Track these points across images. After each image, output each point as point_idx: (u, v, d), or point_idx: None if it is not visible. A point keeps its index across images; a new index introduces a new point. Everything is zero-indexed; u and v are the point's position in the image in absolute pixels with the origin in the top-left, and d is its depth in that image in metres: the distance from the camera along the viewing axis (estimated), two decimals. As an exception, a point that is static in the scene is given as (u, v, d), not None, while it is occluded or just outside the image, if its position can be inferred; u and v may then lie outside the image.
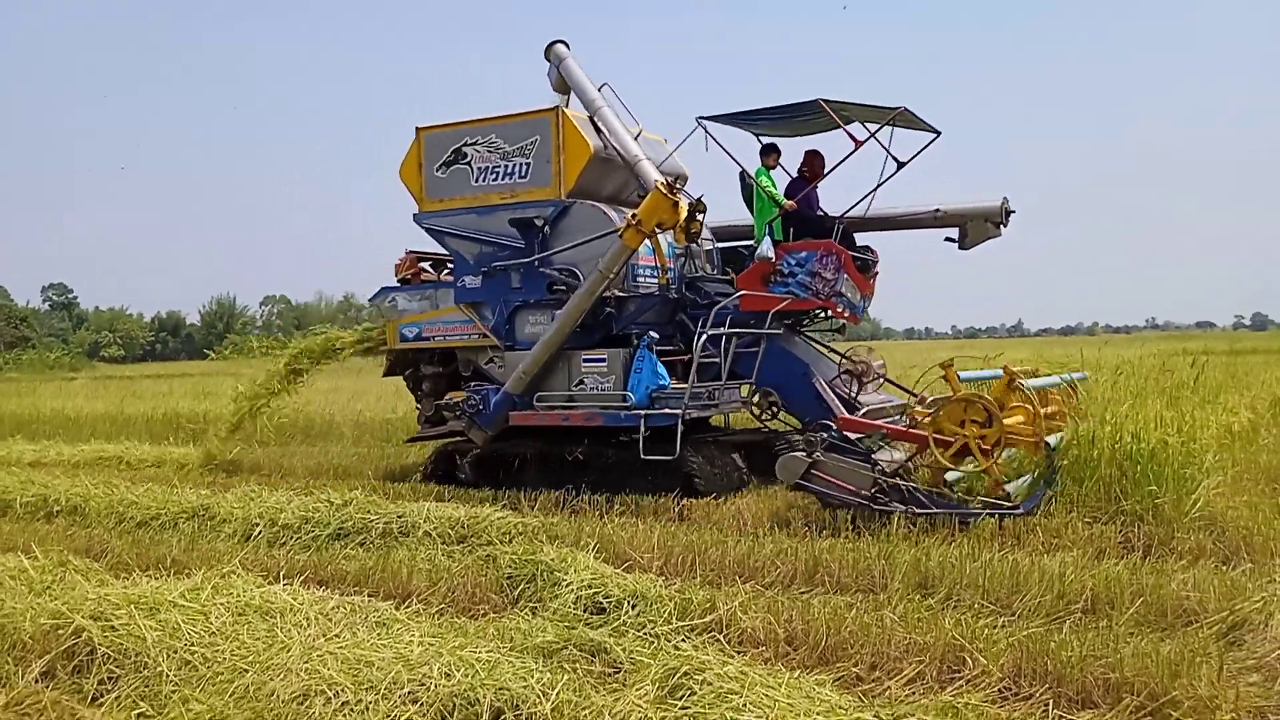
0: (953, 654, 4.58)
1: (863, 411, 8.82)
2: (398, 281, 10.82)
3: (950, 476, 7.62)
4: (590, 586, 5.58)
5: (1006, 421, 7.41)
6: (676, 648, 4.48)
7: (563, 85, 10.45)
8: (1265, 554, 6.18)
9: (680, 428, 8.69)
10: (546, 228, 9.58)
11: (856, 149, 8.74)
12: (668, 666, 4.18)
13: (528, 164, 9.69)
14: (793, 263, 9.10)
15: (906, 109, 8.77)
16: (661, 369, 9.14)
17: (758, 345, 9.17)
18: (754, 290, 9.19)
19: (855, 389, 9.25)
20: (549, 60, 10.59)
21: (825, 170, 9.57)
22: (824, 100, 8.75)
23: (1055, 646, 4.50)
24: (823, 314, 9.72)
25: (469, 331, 10.08)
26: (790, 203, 9.46)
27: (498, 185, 9.84)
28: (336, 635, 4.69)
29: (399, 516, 7.56)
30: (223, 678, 4.34)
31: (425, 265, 11.21)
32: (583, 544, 6.73)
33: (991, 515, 7.03)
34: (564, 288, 9.45)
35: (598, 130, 9.88)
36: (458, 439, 10.32)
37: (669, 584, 5.75)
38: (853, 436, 8.00)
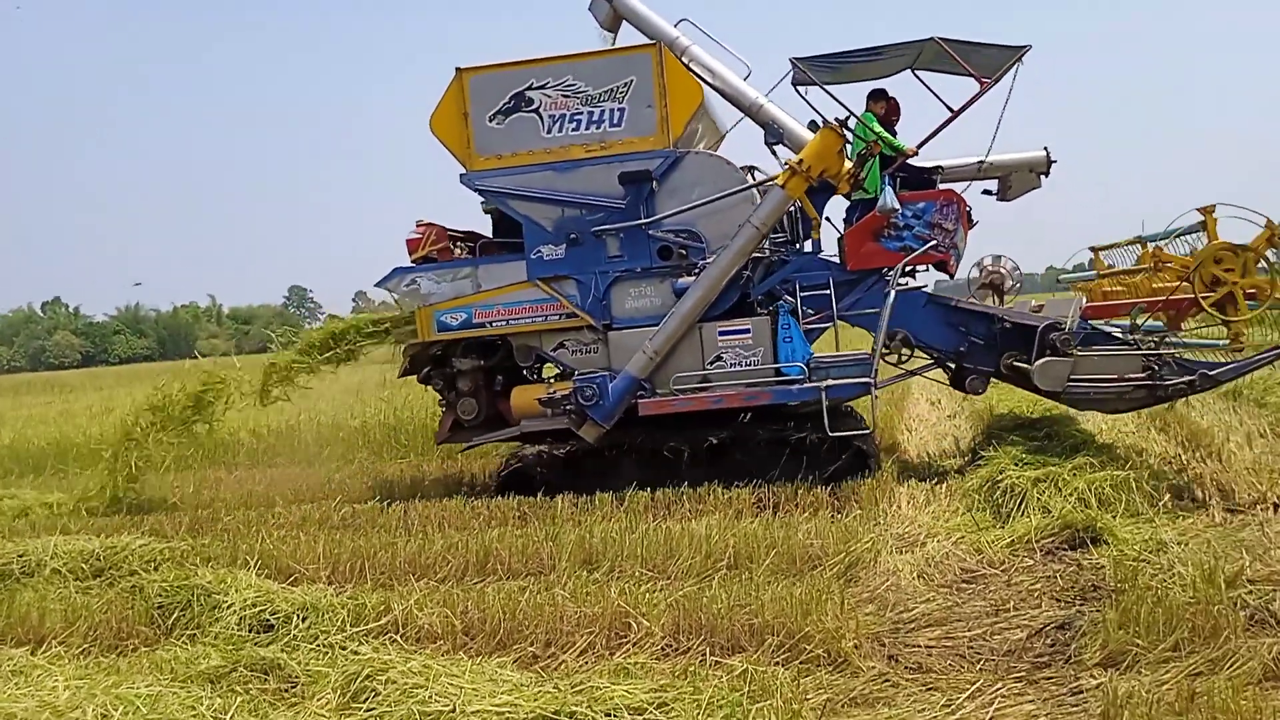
0: (619, 621, 4.93)
1: None
2: (413, 261, 8.83)
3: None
4: (255, 605, 5.37)
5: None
6: (355, 653, 4.45)
7: (614, 22, 9.18)
8: (871, 501, 7.15)
9: (875, 397, 8.05)
10: (654, 183, 8.30)
11: (982, 93, 8.18)
12: (348, 672, 4.16)
13: (621, 110, 8.27)
14: (908, 214, 8.34)
15: (1030, 47, 8.14)
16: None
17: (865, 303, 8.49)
18: (865, 245, 8.40)
19: (997, 302, 8.68)
20: None
21: (955, 113, 8.60)
22: (941, 39, 8.19)
23: (707, 601, 4.98)
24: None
25: (549, 312, 8.47)
26: (913, 148, 8.64)
27: (581, 135, 8.31)
28: (-39, 693, 4.17)
29: (20, 555, 6.75)
30: None
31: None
32: (241, 562, 6.42)
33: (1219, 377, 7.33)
34: (684, 251, 8.28)
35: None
36: (536, 440, 8.65)
37: (340, 592, 5.66)
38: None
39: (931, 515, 7.07)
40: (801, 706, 3.92)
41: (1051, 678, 4.23)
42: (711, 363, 8.23)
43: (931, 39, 8.24)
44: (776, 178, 8.13)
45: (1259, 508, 6.53)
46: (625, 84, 8.26)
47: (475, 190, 8.54)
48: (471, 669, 4.15)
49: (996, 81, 8.20)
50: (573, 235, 8.36)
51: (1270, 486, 6.92)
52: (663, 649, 4.70)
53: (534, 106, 8.33)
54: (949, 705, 4.00)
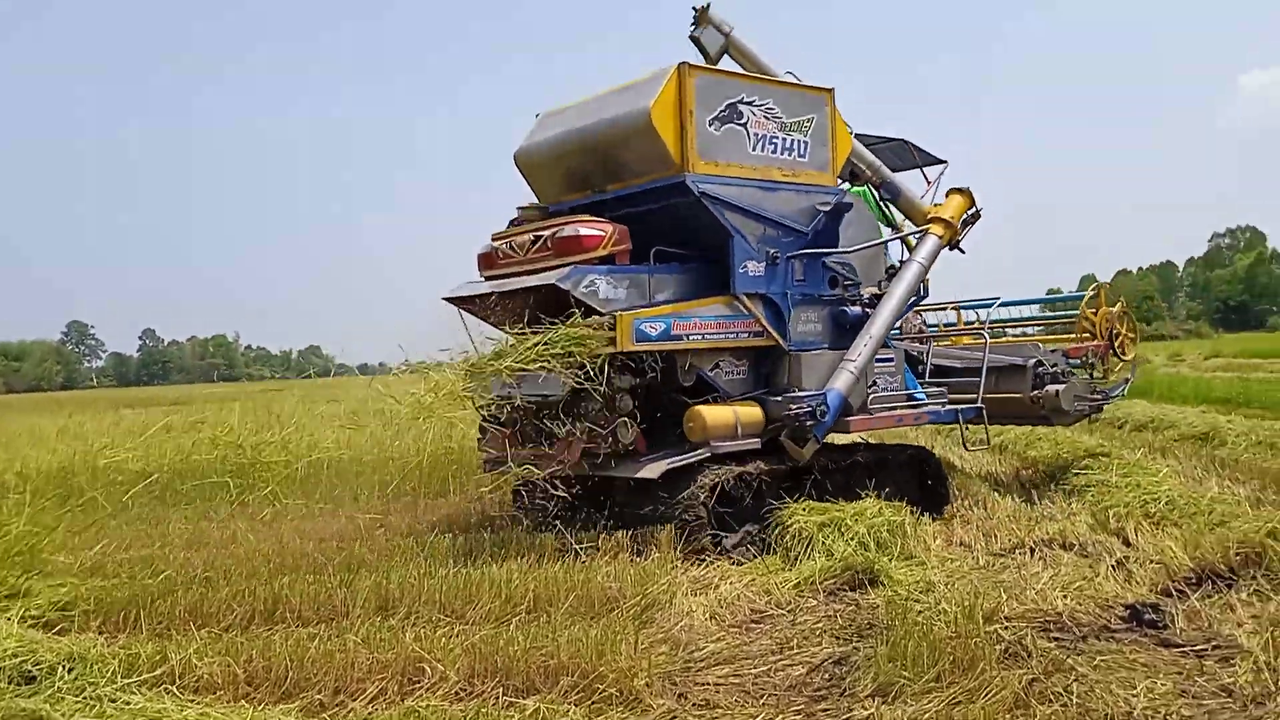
0: (413, 666, 4.85)
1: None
2: (581, 263, 7.75)
3: None
4: (15, 655, 4.95)
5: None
6: (126, 704, 4.21)
7: (719, 55, 9.39)
8: (668, 545, 7.34)
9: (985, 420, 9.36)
10: (827, 219, 8.64)
11: (930, 191, 10.10)
12: (116, 724, 3.92)
13: (805, 142, 8.49)
14: None
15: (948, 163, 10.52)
16: None
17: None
18: None
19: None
20: (703, 25, 9.40)
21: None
22: (910, 143, 10.24)
23: (504, 644, 4.98)
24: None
25: (740, 329, 8.11)
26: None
27: (778, 159, 8.35)
28: None
29: None
30: None
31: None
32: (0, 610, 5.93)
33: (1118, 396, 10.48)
34: (850, 283, 8.78)
35: None
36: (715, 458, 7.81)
37: (112, 642, 5.33)
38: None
39: (726, 558, 7.33)
40: (591, 744, 3.99)
41: (828, 709, 4.47)
42: (870, 386, 8.61)
43: (902, 140, 10.25)
44: (931, 228, 9.36)
45: (1018, 551, 7.13)
46: (809, 119, 8.56)
47: (700, 194, 7.83)
48: (252, 717, 4.01)
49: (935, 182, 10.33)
50: (772, 253, 8.30)
51: (1028, 532, 7.57)
52: (456, 693, 4.66)
53: (743, 120, 8.21)
54: (732, 739, 4.16)
